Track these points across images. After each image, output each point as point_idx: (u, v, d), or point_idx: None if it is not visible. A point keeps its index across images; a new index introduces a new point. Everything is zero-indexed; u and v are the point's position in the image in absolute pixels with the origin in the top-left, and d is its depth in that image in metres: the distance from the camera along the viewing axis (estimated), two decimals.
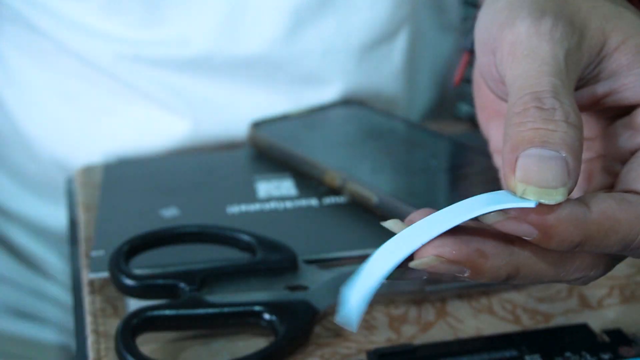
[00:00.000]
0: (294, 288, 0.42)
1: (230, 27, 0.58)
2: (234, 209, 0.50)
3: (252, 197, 0.52)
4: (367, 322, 0.43)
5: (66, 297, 0.61)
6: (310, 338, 0.41)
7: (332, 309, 0.42)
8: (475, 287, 0.44)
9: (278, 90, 0.61)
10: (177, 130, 0.60)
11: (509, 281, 0.32)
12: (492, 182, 0.43)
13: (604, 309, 0.44)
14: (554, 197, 0.29)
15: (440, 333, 0.42)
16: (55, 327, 0.62)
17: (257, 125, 0.58)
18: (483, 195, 0.31)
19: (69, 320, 0.60)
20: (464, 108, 0.64)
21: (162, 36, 0.59)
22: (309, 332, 0.41)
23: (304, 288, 0.42)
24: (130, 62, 0.59)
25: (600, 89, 0.35)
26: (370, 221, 0.48)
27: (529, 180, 0.30)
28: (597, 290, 0.45)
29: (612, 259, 0.33)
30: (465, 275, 0.31)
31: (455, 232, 0.30)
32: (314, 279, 0.43)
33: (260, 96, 0.61)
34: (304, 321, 0.41)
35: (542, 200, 0.30)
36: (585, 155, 0.36)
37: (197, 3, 0.58)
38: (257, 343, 0.41)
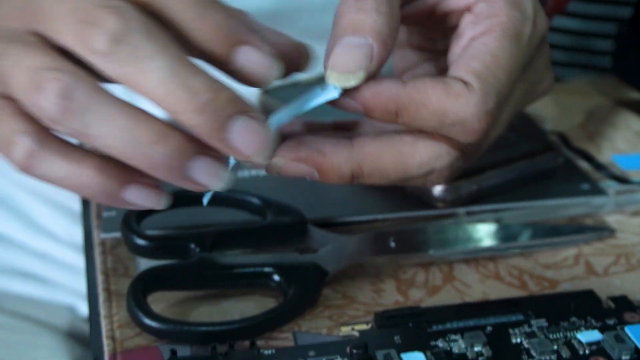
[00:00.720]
0: (303, 250, 0.43)
1: None
2: (244, 172, 0.51)
3: None
4: (375, 285, 0.43)
5: (75, 260, 0.61)
6: (319, 300, 0.41)
7: (341, 272, 0.43)
8: (482, 252, 0.45)
9: None
10: None
11: (356, 181, 0.36)
12: None
13: (610, 276, 0.44)
14: (350, 81, 0.34)
15: (447, 297, 0.42)
16: (63, 288, 0.62)
17: (267, 91, 0.58)
18: (313, 90, 0.36)
19: (76, 282, 0.61)
20: None
21: None
22: (318, 294, 0.41)
23: (314, 250, 0.43)
24: None
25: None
26: (379, 188, 0.49)
27: (333, 67, 0.35)
28: (603, 258, 0.46)
29: (453, 149, 0.37)
30: (315, 176, 0.36)
31: (301, 138, 0.36)
32: (323, 241, 0.43)
33: None
34: (313, 283, 0.41)
35: (341, 85, 0.35)
36: (432, 71, 0.43)
37: None
38: (267, 303, 0.41)
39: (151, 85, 0.30)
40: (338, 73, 0.34)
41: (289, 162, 0.36)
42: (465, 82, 0.35)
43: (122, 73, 0.30)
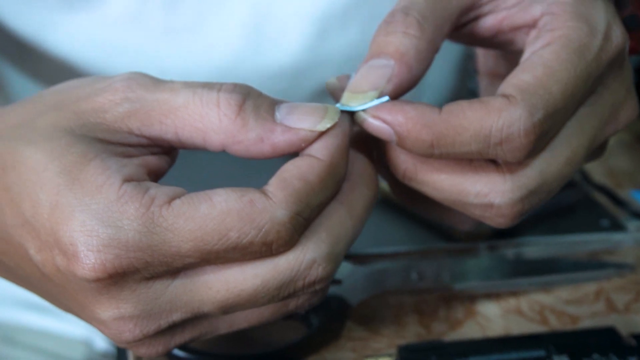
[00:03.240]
0: None
1: (254, 36, 0.58)
2: None
3: None
4: (398, 317, 0.43)
5: None
6: (342, 332, 0.42)
7: (365, 304, 0.43)
8: (504, 286, 0.45)
9: (303, 99, 0.61)
10: None
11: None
12: None
13: (631, 312, 0.44)
14: (358, 100, 0.34)
15: (469, 331, 0.43)
16: (79, 321, 0.62)
17: None
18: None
19: None
20: None
21: (186, 46, 0.58)
22: (342, 326, 0.42)
23: (338, 282, 0.43)
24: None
25: (493, 18, 0.38)
26: (402, 219, 0.49)
27: (348, 88, 0.34)
28: (624, 294, 0.46)
29: (517, 188, 0.34)
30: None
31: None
32: (348, 273, 0.44)
33: None
34: (337, 315, 0.42)
35: (348, 103, 0.34)
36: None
37: (220, 12, 0.57)
38: (291, 335, 0.42)
39: None
40: (351, 92, 0.34)
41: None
42: (506, 96, 0.33)
43: None
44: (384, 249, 0.47)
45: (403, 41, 0.34)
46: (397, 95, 0.34)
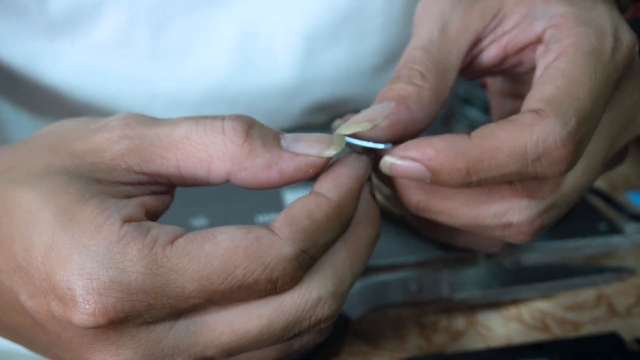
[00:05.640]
0: None
1: (243, 57, 0.58)
2: (263, 218, 0.51)
3: (280, 206, 0.52)
4: (398, 330, 0.43)
5: None
6: (343, 347, 0.41)
7: (365, 318, 0.43)
8: (504, 295, 0.45)
9: (293, 118, 0.61)
10: None
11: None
12: None
13: (633, 317, 0.44)
14: (350, 128, 0.33)
15: (470, 341, 0.42)
16: None
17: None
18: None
19: None
20: (472, 113, 0.65)
21: (174, 70, 0.58)
22: (342, 340, 0.41)
23: None
24: (144, 103, 0.58)
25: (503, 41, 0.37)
26: (400, 231, 0.49)
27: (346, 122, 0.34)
28: (624, 298, 0.46)
29: (534, 202, 0.33)
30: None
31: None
32: None
33: (276, 125, 0.61)
34: (337, 329, 0.41)
35: (341, 132, 0.33)
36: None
37: (208, 34, 0.57)
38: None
39: None
40: (347, 123, 0.34)
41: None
42: (534, 111, 0.32)
43: None
44: (382, 261, 0.47)
45: (405, 87, 0.34)
46: (394, 133, 0.34)
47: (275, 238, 0.30)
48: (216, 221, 0.50)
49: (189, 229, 0.49)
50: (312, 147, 0.32)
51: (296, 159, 0.32)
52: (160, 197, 0.33)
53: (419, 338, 0.43)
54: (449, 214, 0.34)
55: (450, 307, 0.45)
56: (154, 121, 0.32)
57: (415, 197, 0.34)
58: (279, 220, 0.31)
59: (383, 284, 0.44)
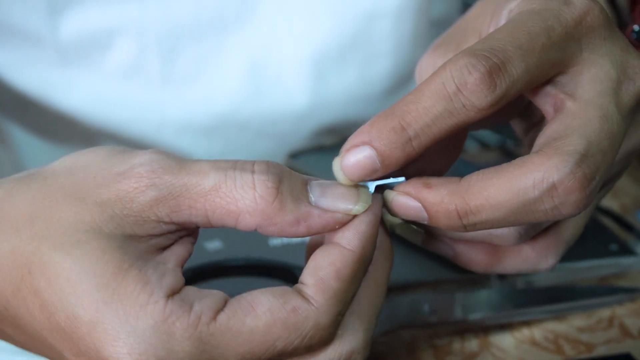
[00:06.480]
0: None
1: (253, 82, 0.58)
2: (276, 240, 0.51)
3: None
4: (412, 353, 0.43)
5: None
6: None
7: (378, 340, 0.43)
8: (517, 316, 0.45)
9: (304, 140, 0.62)
10: None
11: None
12: None
13: None
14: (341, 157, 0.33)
15: None
16: None
17: (294, 156, 0.59)
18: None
19: None
20: (482, 132, 0.65)
21: (185, 96, 0.58)
22: None
23: None
24: (155, 128, 0.59)
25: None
26: (408, 251, 0.49)
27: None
28: (637, 319, 0.46)
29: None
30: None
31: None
32: None
33: (286, 148, 0.61)
34: None
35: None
36: None
37: (218, 60, 0.58)
38: None
39: None
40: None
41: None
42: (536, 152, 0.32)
43: None
44: (394, 282, 0.47)
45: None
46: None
47: (310, 308, 0.31)
48: (231, 245, 0.51)
49: (204, 252, 0.50)
50: (339, 203, 0.32)
51: (324, 216, 0.32)
52: (188, 239, 0.33)
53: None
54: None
55: (463, 329, 0.45)
56: (180, 167, 0.32)
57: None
58: (310, 286, 0.32)
59: (396, 306, 0.45)
